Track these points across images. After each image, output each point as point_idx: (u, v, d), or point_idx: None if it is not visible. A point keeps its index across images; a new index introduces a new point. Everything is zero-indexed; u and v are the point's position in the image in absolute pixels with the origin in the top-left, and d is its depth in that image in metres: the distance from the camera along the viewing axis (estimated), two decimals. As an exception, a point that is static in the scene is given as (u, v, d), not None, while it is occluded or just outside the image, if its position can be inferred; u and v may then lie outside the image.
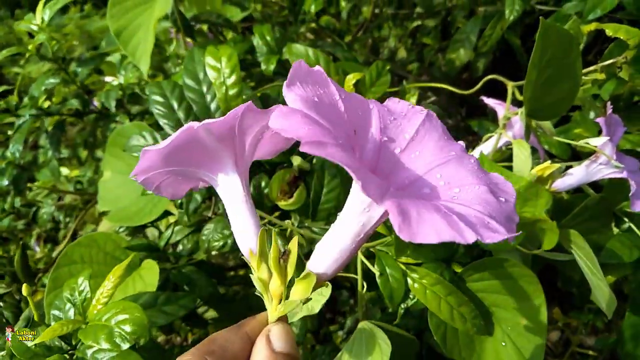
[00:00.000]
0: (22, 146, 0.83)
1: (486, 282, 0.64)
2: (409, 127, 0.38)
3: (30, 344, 0.48)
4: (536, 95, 0.54)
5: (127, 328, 0.43)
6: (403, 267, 0.62)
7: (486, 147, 0.74)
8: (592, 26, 0.61)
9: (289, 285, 0.38)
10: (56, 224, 1.26)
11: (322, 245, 0.37)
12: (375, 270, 0.62)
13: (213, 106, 0.62)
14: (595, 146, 0.54)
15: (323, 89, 0.35)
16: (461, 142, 0.39)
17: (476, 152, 0.74)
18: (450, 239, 0.26)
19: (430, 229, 0.26)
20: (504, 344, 0.63)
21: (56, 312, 0.51)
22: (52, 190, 1.11)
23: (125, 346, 0.43)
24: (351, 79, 0.76)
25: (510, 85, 0.69)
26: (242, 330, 0.37)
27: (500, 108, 0.70)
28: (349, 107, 0.35)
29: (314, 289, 0.37)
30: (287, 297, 0.38)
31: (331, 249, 0.37)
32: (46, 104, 0.86)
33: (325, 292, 0.62)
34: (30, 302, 0.46)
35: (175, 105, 0.64)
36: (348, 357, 0.65)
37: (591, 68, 0.58)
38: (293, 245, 0.38)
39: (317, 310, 0.61)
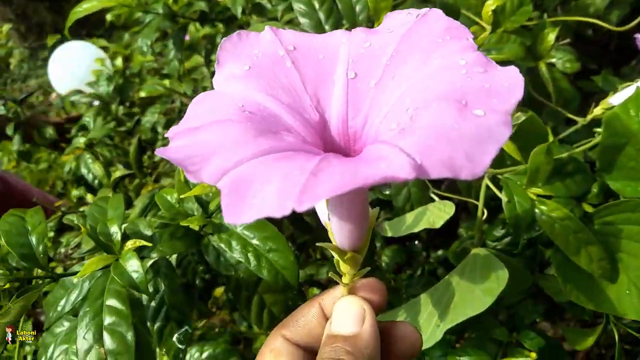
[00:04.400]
0: (150, 41, 0.86)
1: (618, 226, 0.60)
2: (389, 46, 0.30)
3: (173, 200, 0.50)
4: None
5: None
6: (533, 196, 0.59)
7: (627, 92, 0.69)
8: None
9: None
10: (155, 134, 1.30)
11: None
12: (502, 196, 0.60)
13: (359, 7, 0.61)
14: None
15: (262, 50, 0.31)
16: (469, 37, 0.28)
17: (619, 97, 0.69)
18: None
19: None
20: (628, 292, 0.59)
21: (195, 181, 0.53)
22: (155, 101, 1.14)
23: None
24: (491, 4, 0.72)
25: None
26: (315, 300, 0.35)
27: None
28: (303, 57, 0.31)
29: (355, 260, 0.33)
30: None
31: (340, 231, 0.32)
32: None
33: (449, 210, 0.61)
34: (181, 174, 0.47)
35: (317, 5, 0.64)
36: (459, 280, 0.64)
37: None
38: (372, 216, 0.34)
39: (438, 225, 0.60)
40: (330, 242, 0.33)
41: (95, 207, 0.51)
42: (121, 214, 0.50)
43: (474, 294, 0.60)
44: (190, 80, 1.27)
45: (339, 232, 0.31)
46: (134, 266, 0.44)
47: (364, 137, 0.29)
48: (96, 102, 1.55)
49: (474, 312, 0.59)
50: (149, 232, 0.53)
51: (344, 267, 0.33)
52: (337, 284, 0.35)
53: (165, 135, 0.25)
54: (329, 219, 0.32)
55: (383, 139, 0.25)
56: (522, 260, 0.72)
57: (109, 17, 1.33)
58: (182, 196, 0.48)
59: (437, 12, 0.30)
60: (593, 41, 1.35)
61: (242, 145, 0.23)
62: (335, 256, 0.33)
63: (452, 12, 0.68)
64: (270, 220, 0.63)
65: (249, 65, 0.30)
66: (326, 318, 0.35)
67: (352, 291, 0.34)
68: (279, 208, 0.19)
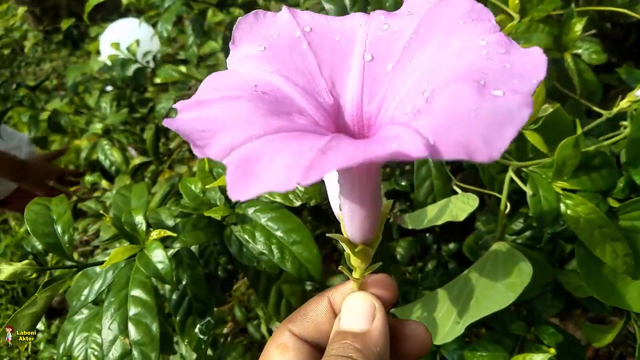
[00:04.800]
0: (170, 26, 0.85)
1: (644, 221, 0.60)
2: (408, 28, 0.29)
3: (197, 190, 0.50)
4: None
5: (301, 187, 0.44)
6: (559, 190, 0.59)
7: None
8: None
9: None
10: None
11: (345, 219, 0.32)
12: (527, 190, 0.59)
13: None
14: None
15: (278, 30, 0.30)
16: (491, 19, 0.27)
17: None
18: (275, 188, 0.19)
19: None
20: (651, 289, 0.59)
21: (220, 170, 0.52)
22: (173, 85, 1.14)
23: (297, 203, 0.43)
24: (518, -8, 0.70)
25: None
26: (324, 295, 0.35)
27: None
28: (320, 39, 0.30)
29: (366, 253, 0.32)
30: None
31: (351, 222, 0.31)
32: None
33: (473, 202, 0.60)
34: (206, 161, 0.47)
35: (339, -14, 0.62)
36: (478, 276, 0.63)
37: None
38: (386, 208, 0.32)
39: (461, 218, 0.59)
40: (342, 234, 0.32)
41: (119, 196, 0.50)
42: (145, 204, 0.50)
43: (496, 289, 0.60)
44: (206, 66, 1.26)
45: (350, 223, 0.30)
46: (159, 256, 0.44)
47: (378, 123, 0.28)
48: (109, 88, 1.54)
49: (498, 307, 0.59)
50: (171, 222, 0.52)
51: (354, 261, 0.32)
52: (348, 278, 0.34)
53: (174, 106, 0.24)
54: (341, 210, 0.31)
55: (397, 122, 0.24)
56: (542, 254, 0.71)
57: (124, 0, 1.32)
58: (207, 187, 0.47)
59: None
60: (611, 35, 1.33)
61: (252, 123, 0.23)
62: (346, 249, 0.32)
63: None
64: (291, 211, 0.63)
65: (264, 46, 0.29)
66: (335, 314, 0.34)
67: (362, 287, 0.33)
68: (284, 183, 0.18)
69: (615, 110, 0.67)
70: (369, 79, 0.29)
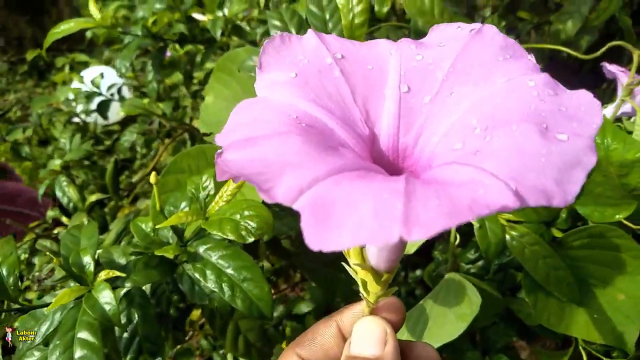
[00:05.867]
0: (128, 63, 0.86)
1: (587, 250, 0.62)
2: (444, 61, 0.29)
3: (148, 229, 0.50)
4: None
5: (253, 223, 0.44)
6: (504, 222, 0.61)
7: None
8: None
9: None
10: (134, 153, 1.29)
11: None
12: (474, 222, 0.61)
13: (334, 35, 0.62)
14: None
15: (307, 56, 0.29)
16: (529, 57, 0.28)
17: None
18: (363, 242, 0.18)
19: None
20: (596, 316, 0.61)
21: (171, 209, 0.53)
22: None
23: (250, 239, 0.44)
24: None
25: (636, 53, 0.66)
26: (332, 319, 0.34)
27: (623, 75, 0.66)
28: (351, 67, 0.30)
29: (388, 281, 0.32)
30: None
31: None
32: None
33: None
34: (155, 190, 0.48)
35: (294, 31, 0.65)
36: (433, 303, 0.65)
37: None
38: None
39: (411, 251, 0.61)
40: (346, 261, 0.31)
41: (69, 236, 0.50)
42: (95, 243, 0.50)
43: (447, 319, 0.61)
44: (171, 99, 1.26)
45: (378, 254, 0.29)
46: (106, 298, 0.44)
47: (416, 154, 0.28)
48: (75, 119, 1.54)
49: (449, 338, 0.60)
50: (123, 261, 0.52)
51: (373, 288, 0.31)
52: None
53: (217, 143, 0.23)
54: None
55: (448, 158, 0.24)
56: (494, 283, 0.73)
57: (88, 34, 1.33)
58: (157, 226, 0.48)
59: (492, 29, 0.29)
60: (567, 64, 1.39)
61: (312, 162, 0.22)
62: (365, 277, 0.31)
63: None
64: (247, 246, 0.63)
65: (295, 72, 0.28)
66: (344, 338, 0.34)
67: (373, 311, 0.33)
68: (383, 233, 0.17)
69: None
70: (406, 109, 0.29)
